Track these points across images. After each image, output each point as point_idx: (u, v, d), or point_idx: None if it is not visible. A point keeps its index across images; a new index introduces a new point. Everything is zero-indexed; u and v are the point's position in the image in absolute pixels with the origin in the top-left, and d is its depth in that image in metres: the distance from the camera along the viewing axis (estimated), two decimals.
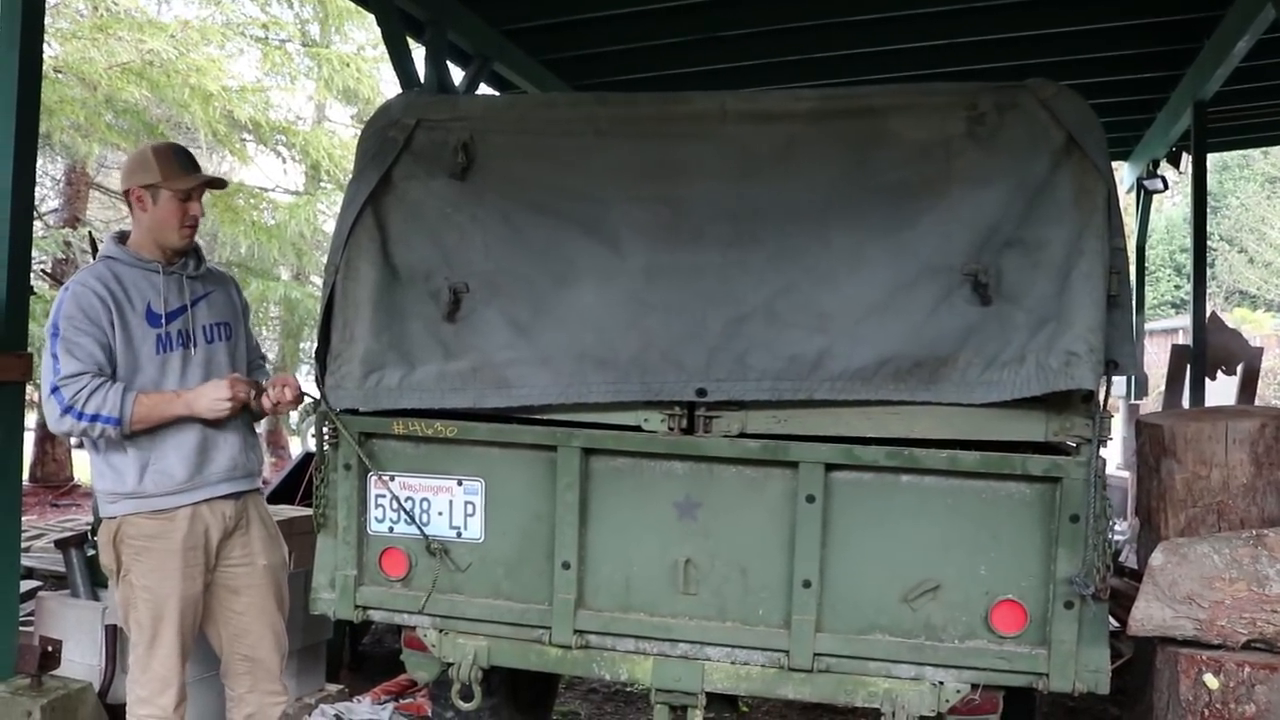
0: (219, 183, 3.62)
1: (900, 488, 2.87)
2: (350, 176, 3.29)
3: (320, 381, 3.15)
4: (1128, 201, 10.51)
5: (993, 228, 2.85)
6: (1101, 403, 2.82)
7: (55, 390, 3.12)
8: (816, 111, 3.02)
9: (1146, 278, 12.60)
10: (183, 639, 3.32)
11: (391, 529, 3.18)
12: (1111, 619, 3.00)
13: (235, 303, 3.56)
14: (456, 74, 6.92)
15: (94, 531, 4.82)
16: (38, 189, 13.64)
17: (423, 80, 6.51)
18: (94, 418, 3.11)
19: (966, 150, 2.90)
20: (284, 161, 13.97)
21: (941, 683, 2.87)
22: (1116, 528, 3.30)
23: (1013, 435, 2.87)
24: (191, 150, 3.50)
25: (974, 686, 2.86)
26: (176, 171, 3.26)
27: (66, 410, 3.11)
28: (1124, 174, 10.98)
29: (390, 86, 13.45)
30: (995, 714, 2.92)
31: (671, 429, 2.99)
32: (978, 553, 2.83)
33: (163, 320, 3.28)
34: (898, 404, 2.87)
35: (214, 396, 3.24)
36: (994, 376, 2.81)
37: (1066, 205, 2.84)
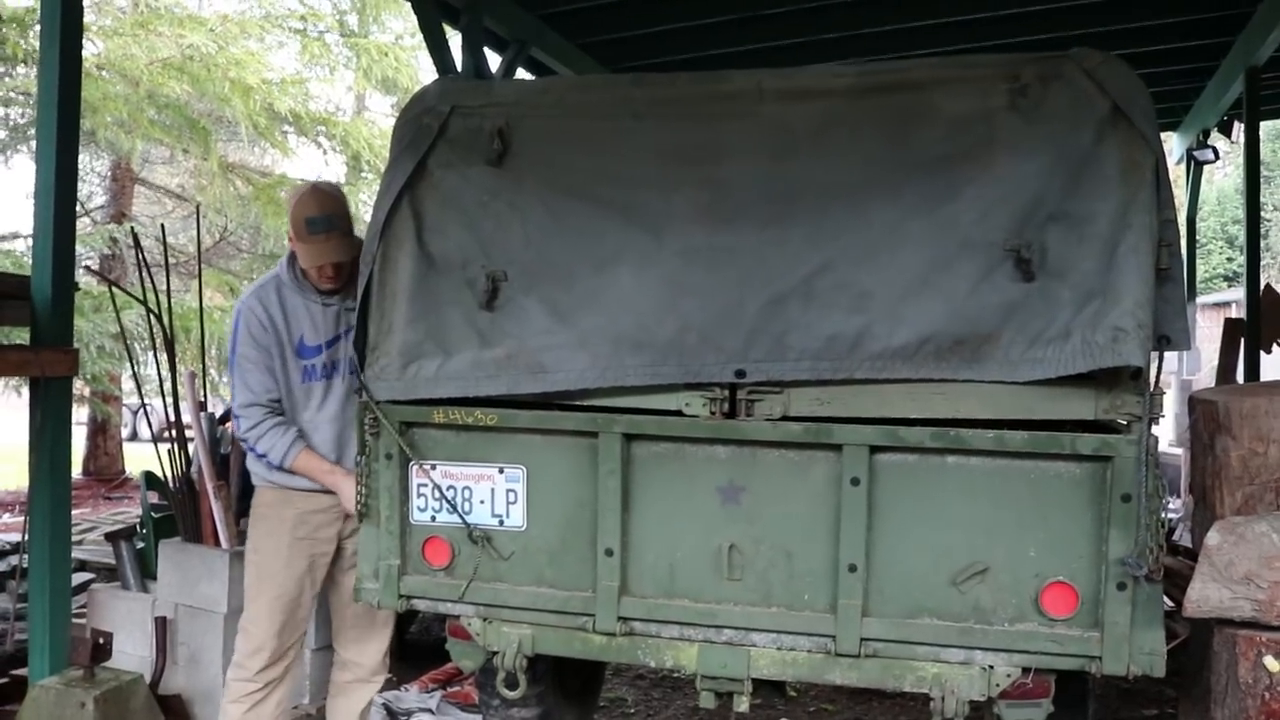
0: (340, 259, 3.44)
1: (946, 469, 2.82)
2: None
3: (360, 372, 3.16)
4: (1177, 173, 10.29)
5: (1036, 202, 2.79)
6: (1153, 379, 2.75)
7: (237, 417, 3.49)
8: (855, 87, 2.97)
9: (1198, 250, 12.36)
10: (279, 606, 3.47)
11: (434, 518, 3.19)
12: (1166, 599, 2.93)
13: None
14: (494, 60, 6.92)
15: (143, 524, 4.91)
16: (84, 186, 13.95)
17: (460, 68, 6.51)
18: (261, 455, 3.46)
19: (1009, 123, 2.83)
20: (325, 153, 14.04)
21: (992, 666, 2.82)
22: (1170, 506, 3.23)
23: (1061, 414, 2.80)
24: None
25: (1025, 670, 2.81)
26: (305, 238, 3.35)
27: (243, 438, 3.50)
28: (1173, 145, 10.76)
29: (429, 75, 13.46)
30: (1047, 698, 2.86)
31: (713, 413, 2.96)
32: (1027, 534, 2.78)
33: (314, 351, 3.48)
34: (941, 383, 2.82)
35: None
36: (1038, 354, 2.75)
37: (1113, 177, 2.76)
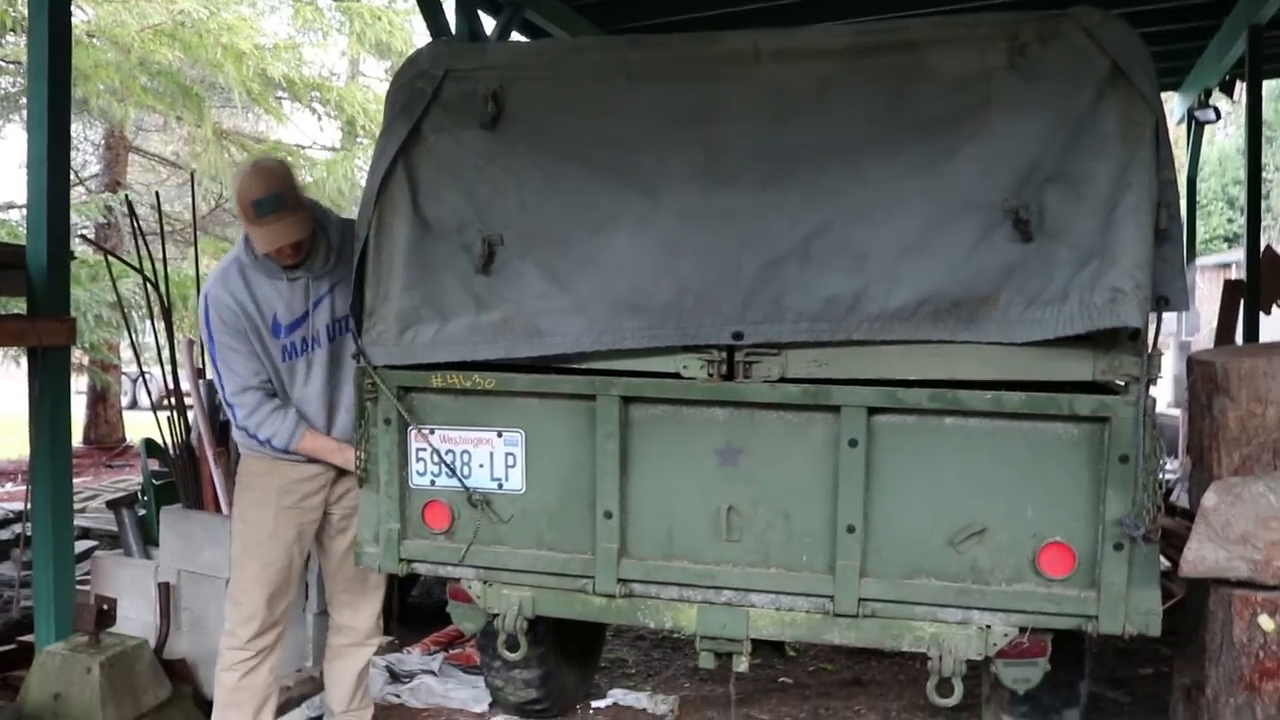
0: (296, 239, 3.28)
1: (944, 430, 2.83)
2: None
3: (357, 337, 3.16)
4: (1178, 133, 10.24)
5: (1035, 162, 2.77)
6: (1151, 340, 2.75)
7: (230, 405, 3.41)
8: (852, 48, 2.94)
9: (1198, 211, 12.30)
10: (267, 575, 3.45)
11: (433, 482, 3.20)
12: (1163, 559, 2.95)
13: None
14: (488, 23, 6.85)
15: (144, 492, 4.93)
16: (78, 154, 13.85)
17: (454, 31, 6.45)
18: (264, 441, 3.38)
19: (1007, 83, 2.81)
20: (319, 118, 13.95)
21: (989, 626, 2.84)
22: (1167, 467, 3.23)
23: (1059, 375, 2.81)
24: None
25: (1022, 630, 2.84)
26: (256, 222, 3.19)
27: (241, 427, 3.42)
28: (1174, 105, 10.68)
29: (423, 38, 13.35)
30: (1044, 657, 2.89)
31: (711, 375, 2.96)
32: (1024, 495, 2.79)
33: (289, 329, 3.38)
34: (939, 344, 2.82)
35: None
36: (1036, 315, 2.74)
37: (1112, 137, 2.75)
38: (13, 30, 10.16)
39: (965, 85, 2.85)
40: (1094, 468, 2.75)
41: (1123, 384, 2.79)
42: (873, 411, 2.83)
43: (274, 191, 3.17)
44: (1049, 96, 2.79)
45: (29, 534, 4.13)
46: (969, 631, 2.86)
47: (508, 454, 3.13)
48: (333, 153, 14.43)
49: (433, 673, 4.62)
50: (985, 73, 2.83)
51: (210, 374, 3.52)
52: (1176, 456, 8.61)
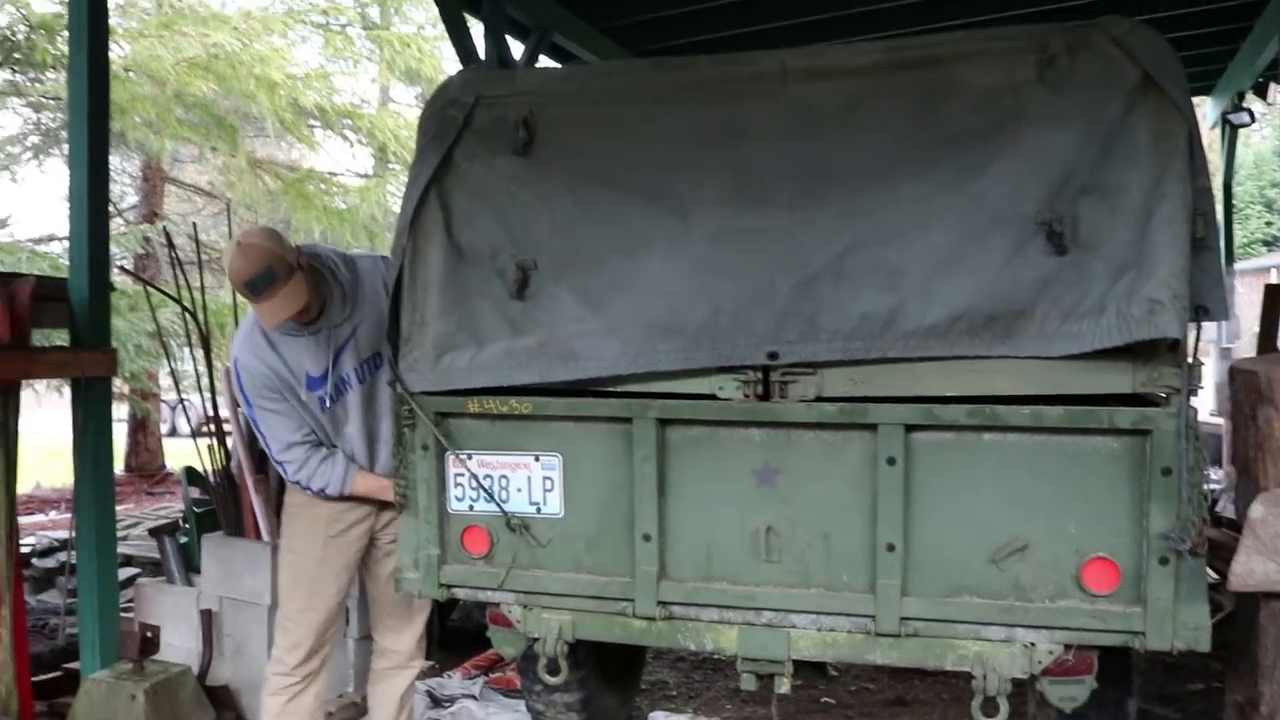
0: (296, 308, 3.23)
1: (983, 446, 2.80)
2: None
3: (394, 364, 3.18)
4: (1212, 137, 10.12)
5: (1067, 174, 2.75)
6: (1191, 351, 2.71)
7: (280, 464, 3.49)
8: (880, 65, 2.94)
9: (1235, 215, 12.14)
10: (315, 603, 3.51)
11: (471, 507, 3.21)
12: (1210, 571, 2.90)
13: (385, 322, 3.29)
14: (516, 48, 6.91)
15: (185, 519, 4.98)
16: (116, 186, 14.07)
17: (482, 56, 6.51)
18: (319, 490, 3.47)
19: (1037, 96, 2.79)
20: (351, 145, 14.11)
21: (1033, 644, 2.80)
22: (1211, 477, 3.19)
23: (1098, 388, 2.77)
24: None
25: (1067, 647, 2.80)
26: (253, 300, 3.17)
27: (294, 482, 3.49)
28: (1207, 109, 10.57)
29: (452, 65, 13.48)
30: (1090, 674, 2.85)
31: (747, 396, 2.95)
32: (1066, 510, 2.76)
33: (320, 381, 3.41)
34: (975, 360, 2.80)
35: None
36: (1073, 328, 2.71)
37: (1145, 147, 2.72)
38: (53, 68, 10.36)
39: (995, 99, 2.83)
40: (1136, 481, 2.71)
41: (1163, 395, 2.74)
42: (910, 429, 2.81)
43: (264, 268, 3.11)
44: (1079, 108, 2.77)
45: (73, 562, 4.18)
46: (1013, 649, 2.82)
47: (545, 478, 3.13)
48: (365, 179, 14.58)
49: (474, 697, 4.63)
50: (1014, 86, 2.81)
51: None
52: (1220, 466, 8.49)
